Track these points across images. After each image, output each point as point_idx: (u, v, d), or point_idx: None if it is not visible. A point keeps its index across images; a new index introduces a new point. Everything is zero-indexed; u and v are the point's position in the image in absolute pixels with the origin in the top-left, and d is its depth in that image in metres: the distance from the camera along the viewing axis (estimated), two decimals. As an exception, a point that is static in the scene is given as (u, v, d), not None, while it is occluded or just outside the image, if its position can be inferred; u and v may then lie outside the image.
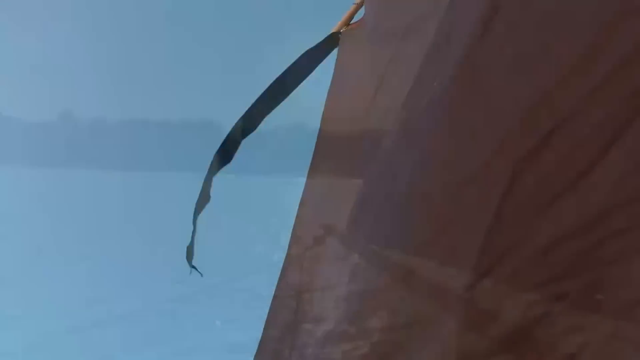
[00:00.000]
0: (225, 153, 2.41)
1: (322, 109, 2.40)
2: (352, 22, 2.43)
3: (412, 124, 1.47)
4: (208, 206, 2.01)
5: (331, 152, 2.21)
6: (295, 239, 2.20)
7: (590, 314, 0.95)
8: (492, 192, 1.08)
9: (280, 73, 2.44)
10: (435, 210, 1.17)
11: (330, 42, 2.37)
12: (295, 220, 2.22)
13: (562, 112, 1.05)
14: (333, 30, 2.45)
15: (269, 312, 1.92)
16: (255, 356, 1.81)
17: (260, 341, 1.78)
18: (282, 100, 2.39)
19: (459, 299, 1.06)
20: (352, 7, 2.40)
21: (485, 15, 1.26)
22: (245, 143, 2.39)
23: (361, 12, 2.35)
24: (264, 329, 1.79)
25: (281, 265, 1.95)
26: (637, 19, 1.06)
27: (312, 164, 2.32)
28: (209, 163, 2.37)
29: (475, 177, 1.12)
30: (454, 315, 1.06)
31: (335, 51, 2.58)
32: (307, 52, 2.39)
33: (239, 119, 2.36)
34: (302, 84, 2.38)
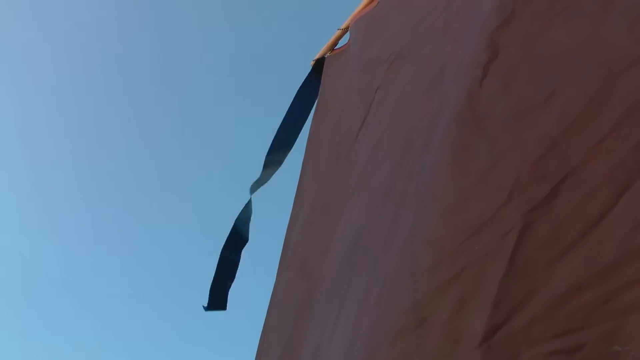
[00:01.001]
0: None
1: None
2: (336, 47, 2.43)
3: (410, 160, 1.46)
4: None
5: (318, 175, 2.19)
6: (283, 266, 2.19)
7: (608, 365, 0.95)
8: (504, 242, 1.08)
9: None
10: (444, 257, 1.16)
11: (317, 70, 2.36)
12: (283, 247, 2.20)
13: (571, 162, 1.05)
14: (317, 56, 2.44)
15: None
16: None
17: None
18: (294, 142, 2.39)
19: (476, 349, 1.05)
20: (336, 33, 2.40)
21: (485, 58, 1.26)
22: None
23: (346, 37, 2.35)
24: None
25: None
26: None
27: (298, 188, 2.30)
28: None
29: (485, 226, 1.12)
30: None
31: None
32: (298, 91, 2.37)
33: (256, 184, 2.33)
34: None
